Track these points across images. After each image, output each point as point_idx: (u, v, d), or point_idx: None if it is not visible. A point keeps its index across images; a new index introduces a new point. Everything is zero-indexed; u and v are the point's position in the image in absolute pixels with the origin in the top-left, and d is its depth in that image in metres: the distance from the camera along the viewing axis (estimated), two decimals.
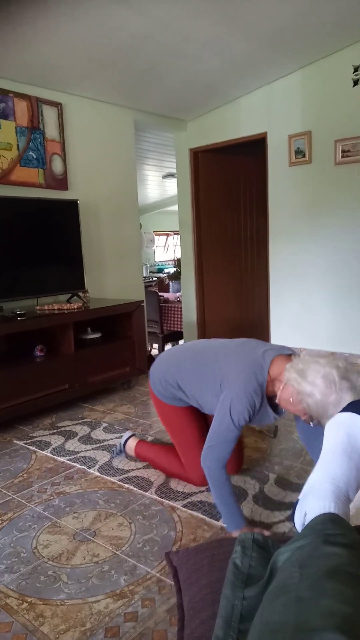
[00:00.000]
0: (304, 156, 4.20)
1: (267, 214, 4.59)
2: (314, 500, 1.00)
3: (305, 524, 0.95)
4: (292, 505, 1.13)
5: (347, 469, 1.04)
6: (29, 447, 2.73)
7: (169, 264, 11.12)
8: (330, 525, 0.87)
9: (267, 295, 4.72)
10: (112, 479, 2.29)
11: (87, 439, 2.79)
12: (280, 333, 4.65)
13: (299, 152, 4.23)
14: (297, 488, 2.04)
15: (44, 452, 2.63)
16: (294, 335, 4.55)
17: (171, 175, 7.43)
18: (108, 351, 3.53)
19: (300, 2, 2.98)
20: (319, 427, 1.56)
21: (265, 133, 4.44)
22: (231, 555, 0.96)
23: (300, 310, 4.47)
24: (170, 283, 8.69)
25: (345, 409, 1.22)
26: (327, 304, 4.29)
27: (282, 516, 1.91)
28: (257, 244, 5.13)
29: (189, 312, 5.44)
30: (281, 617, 0.71)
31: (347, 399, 1.45)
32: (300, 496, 1.08)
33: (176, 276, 8.38)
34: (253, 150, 4.75)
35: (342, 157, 3.99)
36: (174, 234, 11.33)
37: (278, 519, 1.90)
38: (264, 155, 4.51)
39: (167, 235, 11.60)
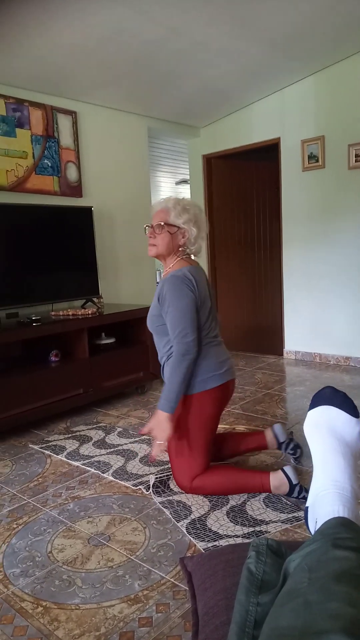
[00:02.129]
0: (317, 161, 4.20)
1: (281, 219, 4.58)
2: (322, 506, 1.00)
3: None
4: (304, 509, 1.12)
5: (346, 467, 1.04)
6: (44, 451, 2.75)
7: None
8: (340, 529, 0.87)
9: (281, 300, 4.71)
10: (126, 484, 2.29)
11: (101, 444, 2.80)
12: (294, 338, 4.63)
13: (312, 157, 4.22)
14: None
15: (59, 457, 2.65)
16: (308, 340, 4.53)
17: (184, 181, 7.46)
18: (122, 356, 3.55)
19: (312, 7, 2.98)
20: None
21: (279, 138, 4.44)
22: (245, 561, 0.96)
23: (314, 316, 4.45)
24: None
25: (312, 405, 1.20)
26: (342, 309, 4.26)
27: (291, 514, 1.90)
28: (271, 249, 5.12)
29: None
30: (289, 621, 0.71)
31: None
32: (309, 504, 1.08)
33: None
34: (266, 155, 4.75)
35: (356, 161, 3.97)
36: None
37: (287, 516, 1.89)
38: (277, 160, 4.52)
39: None
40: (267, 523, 1.91)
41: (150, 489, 2.19)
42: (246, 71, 3.83)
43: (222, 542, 1.80)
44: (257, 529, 1.88)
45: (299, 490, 2.02)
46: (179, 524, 1.93)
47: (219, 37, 3.21)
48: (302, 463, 2.42)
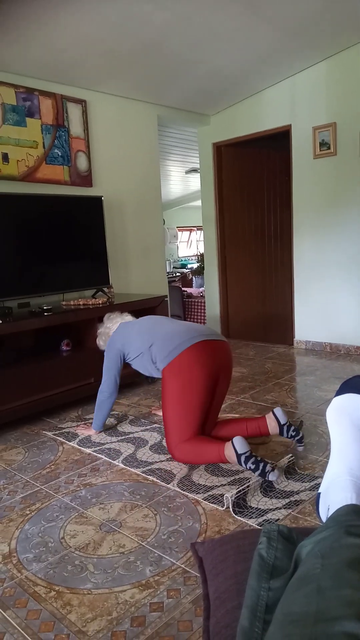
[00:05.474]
0: (328, 148, 4.15)
1: (291, 208, 4.54)
2: (335, 493, 1.00)
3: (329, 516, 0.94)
4: (315, 499, 1.12)
5: None
6: (57, 438, 2.78)
7: (192, 260, 11.13)
8: (352, 517, 0.87)
9: (291, 289, 4.68)
10: (137, 471, 2.31)
11: (113, 431, 2.83)
12: (305, 327, 4.61)
13: (323, 144, 4.17)
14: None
15: (71, 444, 2.68)
16: (319, 329, 4.51)
17: (194, 170, 7.42)
18: None
19: None
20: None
21: (290, 125, 4.39)
22: (257, 547, 0.97)
23: (325, 305, 4.42)
24: (194, 278, 8.70)
25: (339, 391, 1.19)
26: (353, 299, 4.23)
27: (303, 494, 1.91)
28: (281, 238, 5.08)
29: (212, 306, 5.44)
30: (302, 607, 0.71)
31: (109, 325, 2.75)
32: (321, 489, 1.08)
33: (199, 271, 8.39)
34: (277, 143, 4.70)
35: None
36: (197, 229, 11.32)
37: (297, 491, 1.89)
38: (288, 148, 4.47)
39: (190, 230, 11.60)
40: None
41: (229, 504, 1.96)
42: (257, 57, 3.78)
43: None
44: (237, 477, 2.15)
45: (245, 460, 2.09)
46: (192, 495, 1.95)
47: (229, 23, 3.17)
48: (311, 451, 2.42)
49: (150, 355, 2.44)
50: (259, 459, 2.09)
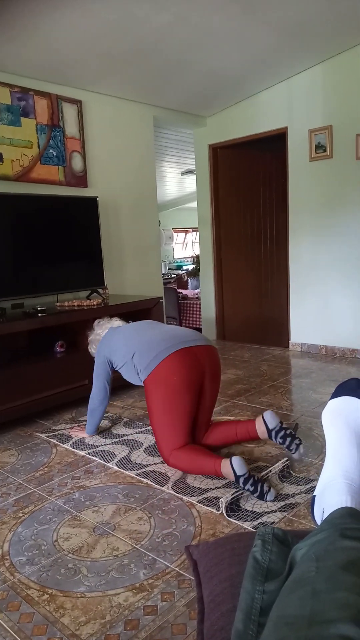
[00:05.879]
0: (325, 151, 4.15)
1: (287, 210, 4.55)
2: (330, 496, 0.99)
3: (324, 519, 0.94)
4: (310, 501, 1.12)
5: (358, 459, 1.03)
6: (50, 440, 2.76)
7: (187, 261, 11.13)
8: (348, 519, 0.87)
9: (287, 292, 4.69)
10: (131, 474, 2.30)
11: (107, 434, 2.81)
12: (300, 330, 4.62)
13: (319, 147, 4.18)
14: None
15: (65, 446, 2.66)
16: (314, 332, 4.51)
17: (190, 171, 7.42)
18: None
19: None
20: None
21: (286, 128, 4.40)
22: (251, 549, 0.96)
23: (321, 307, 4.43)
24: (189, 280, 8.70)
25: (334, 394, 1.19)
26: (348, 301, 4.23)
27: (300, 499, 1.90)
28: (277, 240, 5.09)
29: (208, 308, 5.44)
30: (297, 610, 0.71)
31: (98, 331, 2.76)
32: (317, 492, 1.08)
33: (195, 273, 8.39)
34: (273, 145, 4.71)
35: None
36: (193, 230, 11.33)
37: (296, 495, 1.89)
38: (284, 150, 4.48)
39: (186, 232, 11.60)
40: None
41: (223, 509, 1.96)
42: (253, 59, 3.79)
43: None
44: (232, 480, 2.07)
45: (244, 482, 2.02)
46: (186, 498, 1.94)
47: (227, 24, 3.17)
48: (305, 455, 2.42)
49: (133, 365, 2.40)
50: (256, 478, 2.04)
